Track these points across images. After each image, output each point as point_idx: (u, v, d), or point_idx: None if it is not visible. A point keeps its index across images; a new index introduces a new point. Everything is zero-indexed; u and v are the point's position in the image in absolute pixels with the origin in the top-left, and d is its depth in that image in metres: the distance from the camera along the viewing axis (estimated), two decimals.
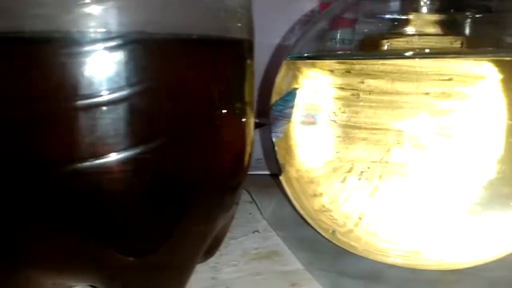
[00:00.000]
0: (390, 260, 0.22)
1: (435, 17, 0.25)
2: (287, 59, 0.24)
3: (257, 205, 0.31)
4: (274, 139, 0.24)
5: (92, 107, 0.15)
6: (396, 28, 0.25)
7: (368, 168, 0.20)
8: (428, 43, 0.26)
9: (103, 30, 0.14)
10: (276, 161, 0.25)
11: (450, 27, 0.25)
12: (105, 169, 0.15)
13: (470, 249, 0.21)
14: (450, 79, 0.18)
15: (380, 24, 0.25)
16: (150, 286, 0.18)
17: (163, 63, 0.15)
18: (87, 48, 0.14)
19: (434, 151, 0.19)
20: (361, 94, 0.20)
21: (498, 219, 0.20)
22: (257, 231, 0.28)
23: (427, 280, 0.22)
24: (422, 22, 0.25)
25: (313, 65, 0.22)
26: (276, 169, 0.25)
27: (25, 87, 0.15)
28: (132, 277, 0.18)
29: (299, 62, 0.23)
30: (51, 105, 0.15)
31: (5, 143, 0.15)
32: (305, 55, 0.23)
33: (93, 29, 0.14)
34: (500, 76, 0.18)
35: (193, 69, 0.16)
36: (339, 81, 0.21)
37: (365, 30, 0.26)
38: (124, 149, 0.15)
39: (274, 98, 0.24)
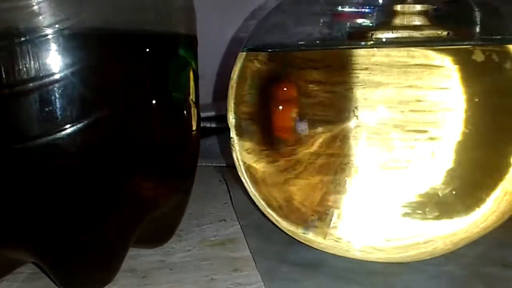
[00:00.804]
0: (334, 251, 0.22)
1: (422, 8, 0.25)
2: (243, 51, 0.24)
3: (230, 197, 0.32)
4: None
5: (14, 94, 0.16)
6: (385, 20, 0.25)
7: (325, 163, 0.21)
8: (412, 35, 0.26)
9: (42, 23, 0.16)
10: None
11: (438, 18, 0.25)
12: (33, 150, 0.17)
13: (414, 243, 0.21)
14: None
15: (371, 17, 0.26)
16: (79, 266, 0.19)
17: (81, 52, 0.17)
18: (13, 40, 0.16)
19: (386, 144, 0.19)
20: (312, 86, 0.21)
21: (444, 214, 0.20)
22: (224, 220, 0.29)
23: (366, 271, 0.22)
24: (410, 14, 0.25)
25: (268, 57, 0.23)
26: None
27: None
28: (63, 257, 0.19)
29: (253, 54, 0.24)
30: None
31: None
32: (259, 46, 0.24)
33: (35, 22, 0.16)
34: (454, 65, 0.18)
35: (119, 58, 0.18)
36: (295, 72, 0.21)
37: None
38: (50, 132, 0.17)
39: (229, 94, 0.24)
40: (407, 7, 0.24)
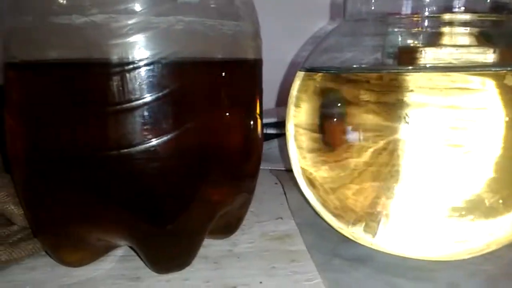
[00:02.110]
0: (380, 248, 0.25)
1: (468, 29, 0.27)
2: (300, 70, 0.28)
3: (286, 198, 0.35)
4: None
5: (120, 111, 0.20)
6: (433, 39, 0.28)
7: (376, 170, 0.24)
8: (460, 53, 0.28)
9: (124, 56, 0.20)
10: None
11: (484, 38, 0.27)
12: (132, 156, 0.21)
13: (456, 243, 0.24)
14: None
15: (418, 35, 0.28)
16: (166, 249, 0.23)
17: (171, 79, 0.21)
18: (113, 69, 0.20)
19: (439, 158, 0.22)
20: (363, 103, 0.24)
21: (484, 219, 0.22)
22: (281, 218, 0.32)
23: (410, 266, 0.24)
24: (457, 34, 0.28)
25: (322, 77, 0.26)
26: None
27: (83, 97, 0.21)
28: (154, 242, 0.23)
29: (310, 73, 0.27)
30: (99, 109, 0.21)
31: (70, 136, 0.21)
32: (316, 67, 0.27)
33: (117, 55, 0.20)
34: (489, 88, 0.21)
35: (198, 83, 0.22)
36: (348, 91, 0.24)
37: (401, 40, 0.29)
38: (145, 142, 0.21)
39: (288, 106, 0.28)
40: (455, 29, 0.27)
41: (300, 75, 0.28)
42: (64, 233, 0.23)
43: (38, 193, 0.23)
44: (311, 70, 0.27)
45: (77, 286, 0.23)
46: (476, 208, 0.22)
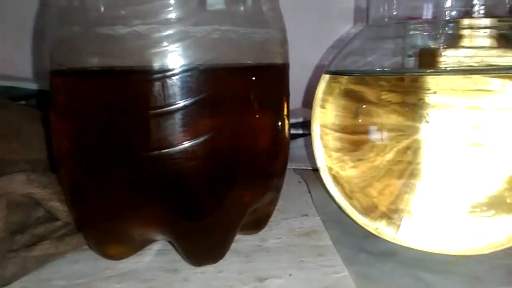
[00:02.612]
0: (405, 244, 0.26)
1: (488, 31, 0.28)
2: (325, 73, 0.29)
3: (311, 196, 0.37)
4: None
5: (159, 114, 0.22)
6: (454, 41, 0.29)
7: (399, 168, 0.25)
8: (480, 56, 0.29)
9: (163, 64, 0.22)
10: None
11: (505, 40, 0.28)
12: (170, 156, 0.23)
13: (478, 238, 0.25)
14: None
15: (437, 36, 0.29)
16: (202, 243, 0.25)
17: (207, 84, 0.22)
18: (153, 76, 0.22)
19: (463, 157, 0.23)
20: (386, 103, 0.25)
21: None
22: (306, 215, 0.34)
23: (434, 260, 0.26)
24: (477, 36, 0.29)
25: (347, 80, 0.28)
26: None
27: (126, 101, 0.22)
28: (190, 236, 0.25)
29: (335, 76, 0.28)
30: (141, 112, 0.22)
31: (113, 138, 0.23)
32: (340, 70, 0.28)
33: (156, 64, 0.22)
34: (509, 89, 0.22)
35: (232, 87, 0.23)
36: (371, 93, 0.25)
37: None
38: (182, 143, 0.22)
39: (314, 108, 0.29)
40: (475, 31, 0.28)
41: (325, 77, 0.29)
42: (107, 228, 0.25)
43: (82, 191, 0.25)
44: (335, 73, 0.28)
45: (119, 278, 0.25)
46: (497, 204, 0.23)
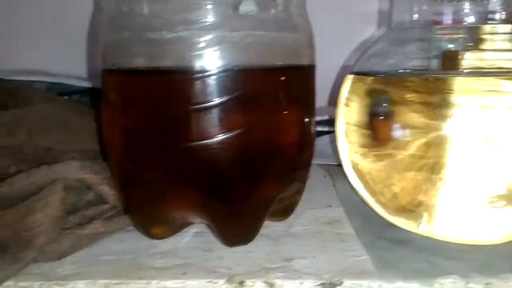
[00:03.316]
0: (422, 233, 0.28)
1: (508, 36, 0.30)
2: (350, 74, 0.31)
3: (335, 188, 0.39)
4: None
5: (200, 110, 0.25)
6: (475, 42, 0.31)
7: (421, 163, 0.27)
8: (501, 58, 0.31)
9: (204, 65, 0.24)
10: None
11: None
12: (208, 147, 0.25)
13: (493, 228, 0.27)
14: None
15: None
16: (235, 225, 0.28)
17: (242, 83, 0.25)
18: (195, 76, 0.24)
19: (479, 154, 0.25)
20: (408, 102, 0.27)
21: None
22: (330, 206, 0.36)
23: (449, 248, 0.27)
24: (496, 40, 0.30)
25: (370, 80, 0.30)
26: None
27: (170, 98, 0.25)
28: (225, 219, 0.27)
29: (359, 76, 0.31)
30: (183, 108, 0.25)
31: (158, 130, 0.26)
32: (364, 70, 0.31)
33: (198, 65, 0.24)
34: None
35: (263, 86, 0.26)
36: (395, 93, 0.28)
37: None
38: (219, 135, 0.25)
39: (338, 106, 0.32)
40: (495, 35, 0.29)
41: (349, 78, 0.31)
42: (150, 211, 0.28)
43: (130, 177, 0.28)
44: (359, 73, 0.31)
45: (161, 255, 0.28)
46: (509, 197, 0.25)
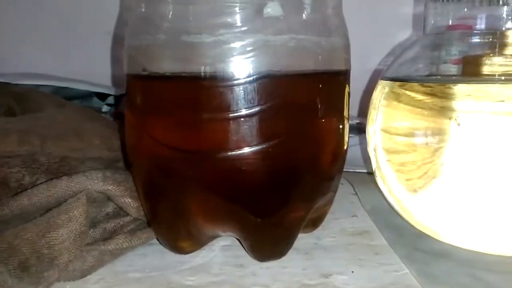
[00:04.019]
0: (459, 244, 0.27)
1: None
2: (382, 79, 0.30)
3: (358, 197, 0.38)
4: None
5: (237, 118, 0.23)
6: (495, 48, 0.30)
7: (450, 172, 0.26)
8: None
9: (243, 71, 0.23)
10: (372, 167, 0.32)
11: None
12: (244, 157, 0.24)
13: None
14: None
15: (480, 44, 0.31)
16: (268, 239, 0.26)
17: (281, 90, 0.23)
18: (234, 82, 0.23)
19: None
20: (441, 110, 0.26)
21: None
22: (355, 216, 0.35)
23: (488, 261, 0.27)
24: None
25: (401, 86, 0.29)
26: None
27: (205, 104, 0.24)
28: (258, 232, 0.26)
29: (391, 82, 0.30)
30: (213, 115, 0.24)
31: (191, 138, 0.24)
32: (396, 76, 0.30)
33: (237, 70, 0.23)
34: None
35: (302, 93, 0.24)
36: (423, 100, 0.27)
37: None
38: (256, 145, 0.24)
39: (370, 112, 0.30)
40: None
41: (381, 83, 0.30)
42: (177, 223, 0.27)
43: (156, 187, 0.26)
44: (392, 79, 0.30)
45: (191, 271, 0.26)
46: None
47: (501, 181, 0.25)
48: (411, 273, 0.26)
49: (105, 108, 0.50)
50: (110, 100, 0.50)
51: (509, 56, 0.29)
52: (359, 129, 0.47)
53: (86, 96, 0.49)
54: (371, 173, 0.42)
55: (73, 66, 0.54)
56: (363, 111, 0.33)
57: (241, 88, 0.23)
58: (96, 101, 0.50)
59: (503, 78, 0.26)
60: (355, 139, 0.47)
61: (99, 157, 0.34)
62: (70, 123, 0.37)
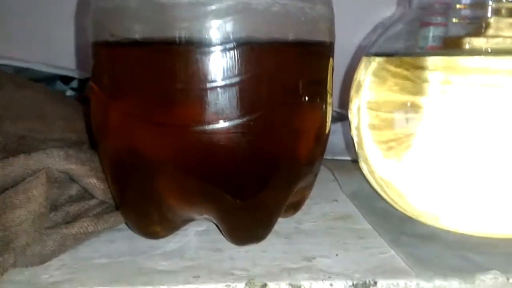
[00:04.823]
0: (445, 226, 0.26)
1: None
2: (366, 55, 0.29)
3: (338, 183, 0.36)
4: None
5: (215, 88, 0.22)
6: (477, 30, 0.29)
7: (438, 148, 0.25)
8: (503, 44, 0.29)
9: (222, 36, 0.21)
10: (355, 151, 0.30)
11: None
12: (222, 131, 0.22)
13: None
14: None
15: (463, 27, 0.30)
16: (247, 222, 0.25)
17: (264, 59, 0.22)
18: (213, 49, 0.21)
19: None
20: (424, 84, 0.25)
21: None
22: (336, 200, 0.33)
23: (473, 242, 0.25)
24: (502, 25, 0.29)
25: (387, 61, 0.27)
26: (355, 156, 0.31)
27: (180, 73, 0.22)
28: (237, 214, 0.24)
29: (377, 57, 0.28)
30: (189, 85, 0.22)
31: (164, 111, 0.22)
32: (380, 52, 0.28)
33: (215, 35, 0.21)
34: None
35: (285, 63, 0.23)
36: (410, 74, 0.25)
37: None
38: (236, 118, 0.22)
39: (353, 89, 0.29)
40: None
41: (366, 59, 0.29)
42: (149, 206, 0.25)
43: (126, 167, 0.24)
44: (376, 55, 0.28)
45: (164, 256, 0.24)
46: None
47: (489, 157, 0.24)
48: (398, 256, 0.24)
49: (69, 93, 0.47)
50: (74, 84, 0.47)
51: (491, 37, 0.28)
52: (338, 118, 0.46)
53: (49, 79, 0.46)
54: (349, 160, 0.41)
55: (35, 48, 0.50)
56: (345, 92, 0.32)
57: (220, 55, 0.21)
58: (59, 85, 0.47)
59: (489, 50, 0.25)
60: (333, 126, 0.46)
61: (61, 139, 0.32)
62: (31, 103, 0.34)
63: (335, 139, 0.40)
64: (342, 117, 0.45)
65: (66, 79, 0.47)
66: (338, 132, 0.43)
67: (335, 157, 0.41)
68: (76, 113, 0.35)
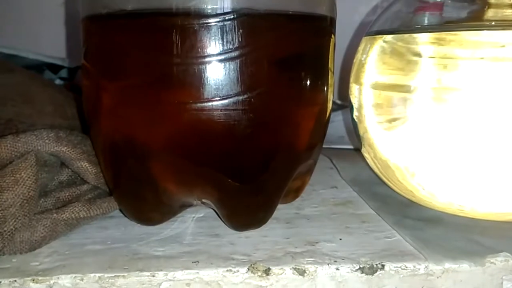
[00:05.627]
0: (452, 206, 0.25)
1: None
2: (368, 35, 0.28)
3: (337, 170, 0.35)
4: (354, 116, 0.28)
5: (214, 61, 0.20)
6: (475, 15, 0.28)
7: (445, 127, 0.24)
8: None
9: (221, 6, 0.20)
10: (357, 135, 0.29)
11: None
12: (222, 108, 0.21)
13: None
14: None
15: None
16: (247, 206, 0.24)
17: (266, 31, 0.21)
18: (211, 20, 0.20)
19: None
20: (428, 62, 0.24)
21: None
22: (335, 187, 0.32)
23: (481, 226, 0.25)
24: (502, 7, 0.28)
25: (390, 39, 0.27)
26: (356, 144, 0.30)
27: (176, 47, 0.20)
28: (236, 198, 0.23)
29: (377, 37, 0.27)
30: (187, 59, 0.21)
31: (160, 88, 0.21)
32: (381, 30, 0.27)
33: (215, 5, 0.20)
34: None
35: (286, 37, 0.22)
36: (414, 50, 0.24)
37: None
38: (236, 94, 0.21)
39: (354, 69, 0.28)
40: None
41: (367, 39, 0.28)
42: (145, 191, 0.23)
43: (120, 150, 0.23)
44: (378, 33, 0.27)
45: (160, 242, 0.23)
46: None
47: (496, 134, 0.23)
48: (404, 239, 0.23)
49: (57, 82, 0.45)
50: (63, 73, 0.46)
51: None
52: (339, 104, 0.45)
53: (37, 68, 0.44)
54: (347, 149, 0.41)
55: (23, 37, 0.49)
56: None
57: (218, 27, 0.20)
58: (48, 74, 0.45)
59: (493, 23, 0.24)
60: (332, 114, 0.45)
61: (51, 125, 0.30)
62: (20, 88, 0.33)
63: (333, 128, 0.39)
64: (341, 108, 0.45)
65: (55, 68, 0.46)
66: (337, 121, 0.43)
67: (332, 146, 0.41)
68: (66, 99, 0.34)
